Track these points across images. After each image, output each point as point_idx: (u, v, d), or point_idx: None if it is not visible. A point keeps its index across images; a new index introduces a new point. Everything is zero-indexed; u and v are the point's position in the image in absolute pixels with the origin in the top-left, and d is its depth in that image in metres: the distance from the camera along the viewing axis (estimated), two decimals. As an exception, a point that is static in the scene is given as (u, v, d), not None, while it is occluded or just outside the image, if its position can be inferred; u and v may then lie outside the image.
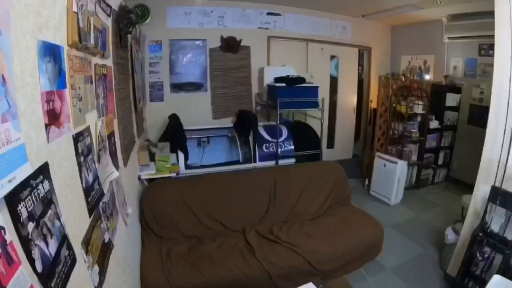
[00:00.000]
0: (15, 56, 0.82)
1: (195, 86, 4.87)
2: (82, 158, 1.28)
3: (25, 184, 0.82)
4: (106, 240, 1.55)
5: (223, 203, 3.05)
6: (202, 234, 2.92)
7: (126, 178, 2.37)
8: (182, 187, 3.07)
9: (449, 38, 5.32)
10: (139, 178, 3.06)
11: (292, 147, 4.31)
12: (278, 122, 4.24)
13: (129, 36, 2.72)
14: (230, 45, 4.84)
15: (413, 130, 4.94)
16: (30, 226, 0.84)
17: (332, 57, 6.00)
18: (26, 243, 0.81)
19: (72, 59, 1.23)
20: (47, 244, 0.92)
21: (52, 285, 0.92)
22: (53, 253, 0.95)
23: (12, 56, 0.81)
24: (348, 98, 6.25)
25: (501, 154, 2.39)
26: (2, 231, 0.73)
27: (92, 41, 1.48)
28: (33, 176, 0.87)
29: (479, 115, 4.95)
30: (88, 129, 1.40)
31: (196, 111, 4.86)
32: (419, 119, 5.09)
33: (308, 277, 2.48)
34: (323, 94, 4.74)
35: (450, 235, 2.92)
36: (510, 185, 2.35)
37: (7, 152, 0.75)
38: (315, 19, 5.50)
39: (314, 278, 2.27)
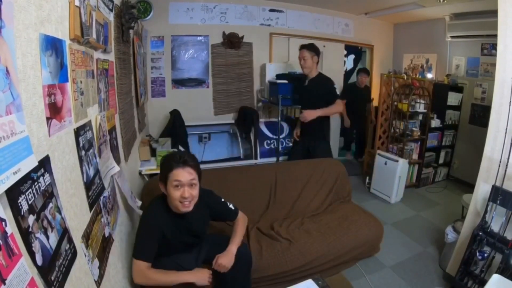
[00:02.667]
0: (17, 49, 0.82)
1: (197, 82, 4.87)
2: (83, 152, 1.29)
3: (26, 177, 0.83)
4: (107, 235, 1.55)
5: (224, 198, 3.05)
6: (202, 230, 2.92)
7: (127, 173, 2.38)
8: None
9: (451, 36, 5.30)
10: (140, 173, 3.07)
11: (291, 145, 4.31)
12: (279, 118, 4.24)
13: (131, 31, 2.71)
14: (232, 41, 4.84)
15: (414, 129, 4.92)
16: (31, 219, 0.85)
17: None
18: (26, 236, 0.82)
19: (74, 53, 1.23)
20: (47, 237, 0.92)
21: (52, 278, 0.92)
22: (53, 246, 0.95)
23: (15, 49, 0.81)
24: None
25: (502, 153, 2.38)
26: (3, 223, 0.73)
27: (94, 36, 1.48)
28: (34, 169, 0.87)
29: (480, 114, 4.95)
30: (89, 123, 1.41)
31: (198, 107, 4.86)
32: (420, 117, 5.08)
33: (307, 274, 2.49)
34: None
35: (450, 234, 2.92)
36: (510, 185, 2.34)
37: (12, 144, 0.76)
38: (318, 16, 5.49)
39: (314, 275, 2.27)
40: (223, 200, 2.23)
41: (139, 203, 2.18)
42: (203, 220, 2.11)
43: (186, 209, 1.85)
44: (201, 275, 1.86)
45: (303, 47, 3.56)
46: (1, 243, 0.71)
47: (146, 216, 1.94)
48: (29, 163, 0.83)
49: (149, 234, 1.86)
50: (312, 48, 3.55)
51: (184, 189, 1.80)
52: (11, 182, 0.75)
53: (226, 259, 1.95)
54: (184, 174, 1.79)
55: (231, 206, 2.24)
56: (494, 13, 2.44)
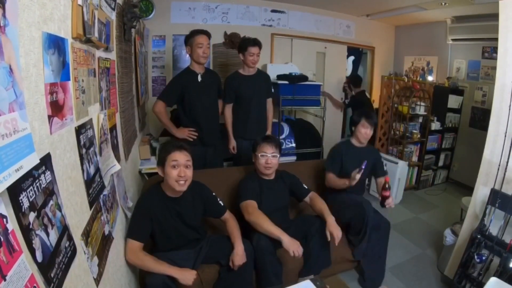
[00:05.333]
0: (20, 47, 0.83)
1: (198, 82, 4.86)
2: (84, 150, 1.29)
3: (27, 174, 0.83)
4: (106, 233, 1.56)
5: (223, 197, 3.06)
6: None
7: (127, 172, 2.38)
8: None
9: (453, 39, 5.31)
10: (140, 172, 3.07)
11: (293, 144, 4.32)
12: (279, 119, 4.25)
13: (132, 30, 2.72)
14: (234, 41, 4.83)
15: (414, 131, 4.94)
16: (31, 216, 0.85)
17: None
18: (27, 232, 0.82)
19: (76, 52, 1.23)
20: (47, 234, 0.93)
21: (52, 275, 0.93)
22: (53, 244, 0.96)
23: (19, 47, 0.81)
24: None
25: (501, 157, 2.39)
26: (4, 220, 0.73)
27: (96, 34, 1.49)
28: (35, 166, 0.88)
29: (480, 117, 4.95)
30: (90, 121, 1.41)
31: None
32: (420, 120, 5.09)
33: (304, 275, 2.49)
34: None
35: (448, 237, 2.92)
36: (509, 188, 2.35)
37: (15, 142, 0.76)
38: (319, 18, 5.49)
39: (311, 276, 2.28)
40: (214, 194, 2.41)
41: (130, 203, 2.19)
42: (194, 209, 2.25)
43: (181, 188, 2.05)
44: (187, 274, 1.93)
45: (257, 43, 3.29)
46: (2, 239, 0.71)
47: (140, 198, 2.18)
48: (31, 161, 0.84)
49: (141, 214, 2.05)
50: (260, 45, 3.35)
51: (181, 169, 2.01)
52: (13, 180, 0.75)
53: (239, 258, 2.14)
54: (181, 156, 2.03)
55: (220, 202, 2.42)
56: (495, 16, 2.45)
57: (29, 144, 0.83)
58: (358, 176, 2.59)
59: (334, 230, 2.30)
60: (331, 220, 2.37)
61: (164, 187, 2.11)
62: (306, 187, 2.73)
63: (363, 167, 2.55)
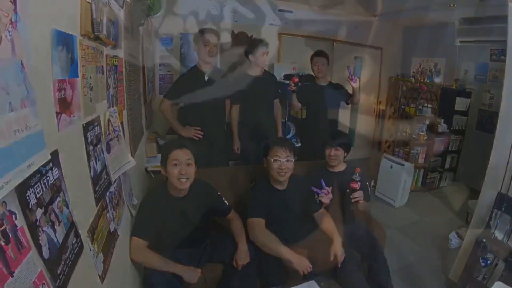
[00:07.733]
0: (30, 44, 0.83)
1: (204, 80, 4.86)
2: (91, 148, 1.30)
3: (35, 170, 0.83)
4: (112, 230, 1.57)
5: (227, 196, 3.06)
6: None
7: (133, 169, 2.39)
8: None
9: (461, 41, 5.27)
10: (145, 169, 3.08)
11: (299, 144, 4.30)
12: (286, 119, 4.24)
13: (140, 28, 2.72)
14: (241, 40, 4.83)
15: (421, 133, 4.91)
16: (38, 212, 0.85)
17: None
18: (33, 229, 0.83)
19: (84, 49, 1.24)
20: (54, 231, 0.93)
21: (58, 271, 0.93)
22: (60, 240, 0.96)
23: (30, 43, 0.82)
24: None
25: (508, 160, 2.37)
26: (13, 216, 0.74)
27: (104, 32, 1.49)
28: (43, 163, 0.88)
29: (488, 120, 4.92)
30: (98, 118, 1.42)
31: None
32: (427, 122, 5.07)
33: (306, 276, 2.48)
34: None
35: (453, 240, 2.91)
36: (516, 192, 2.33)
37: (26, 138, 0.77)
38: (327, 18, 5.47)
39: (316, 277, 2.27)
40: (219, 193, 2.41)
41: (135, 201, 2.20)
42: (199, 209, 2.23)
43: (183, 186, 2.05)
44: (191, 273, 1.96)
45: (267, 42, 3.32)
46: (10, 236, 0.72)
47: (146, 197, 2.20)
48: (42, 157, 0.84)
49: (146, 213, 2.06)
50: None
51: (182, 167, 2.00)
52: (26, 175, 0.76)
53: (243, 258, 2.15)
54: (182, 154, 2.02)
55: (225, 201, 2.42)
56: (504, 19, 2.43)
57: (41, 140, 0.84)
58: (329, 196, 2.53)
59: (339, 252, 2.26)
60: (337, 241, 2.30)
61: (169, 187, 2.11)
62: (318, 202, 2.54)
63: (324, 188, 2.53)
